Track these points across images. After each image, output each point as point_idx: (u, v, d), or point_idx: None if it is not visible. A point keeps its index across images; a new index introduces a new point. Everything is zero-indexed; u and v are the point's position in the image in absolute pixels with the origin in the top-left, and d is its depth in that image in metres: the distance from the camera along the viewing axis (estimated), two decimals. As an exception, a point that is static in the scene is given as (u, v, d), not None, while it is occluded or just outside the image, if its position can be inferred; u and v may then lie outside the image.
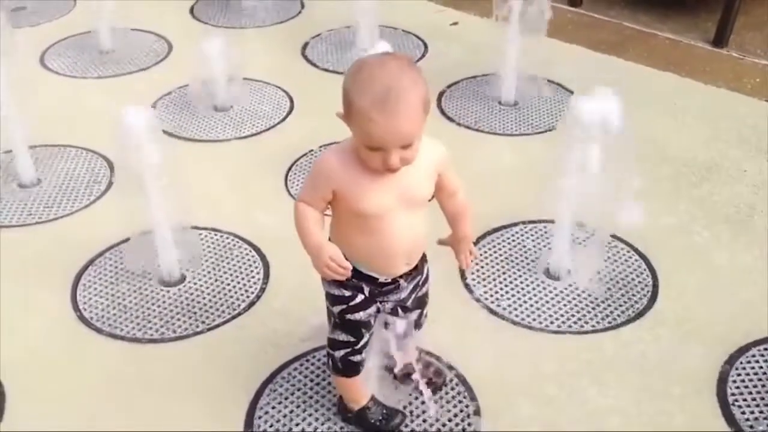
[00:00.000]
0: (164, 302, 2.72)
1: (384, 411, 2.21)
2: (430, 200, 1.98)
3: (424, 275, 2.09)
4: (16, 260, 2.92)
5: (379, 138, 1.72)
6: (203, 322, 2.63)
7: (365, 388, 2.19)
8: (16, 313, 2.67)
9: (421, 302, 2.14)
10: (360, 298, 1.97)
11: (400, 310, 2.06)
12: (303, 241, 1.90)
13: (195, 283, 2.80)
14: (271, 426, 2.27)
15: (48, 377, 2.45)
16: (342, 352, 2.06)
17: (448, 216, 2.10)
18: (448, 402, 2.33)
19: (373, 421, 2.20)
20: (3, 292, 2.75)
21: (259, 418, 2.29)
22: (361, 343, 2.04)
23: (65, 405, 2.36)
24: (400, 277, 1.99)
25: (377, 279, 1.96)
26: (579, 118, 2.52)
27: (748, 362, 2.45)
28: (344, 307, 1.99)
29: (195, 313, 2.67)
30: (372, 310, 2.00)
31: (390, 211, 1.86)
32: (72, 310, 2.70)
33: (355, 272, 1.93)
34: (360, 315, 1.99)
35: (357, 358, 2.07)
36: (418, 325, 2.16)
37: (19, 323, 2.64)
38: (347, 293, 1.97)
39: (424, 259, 2.07)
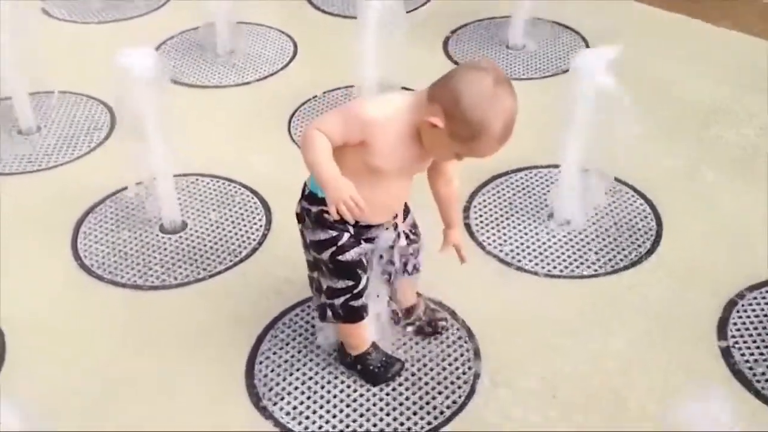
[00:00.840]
0: (165, 249, 2.72)
1: (383, 359, 2.22)
2: None
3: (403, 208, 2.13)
4: (17, 208, 2.92)
5: (484, 156, 1.84)
6: (205, 269, 2.63)
7: (367, 334, 2.19)
8: (16, 261, 2.67)
9: (409, 235, 2.14)
10: (346, 236, 1.98)
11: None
12: (319, 170, 1.81)
13: (196, 231, 2.80)
14: (272, 371, 2.28)
15: (48, 324, 2.47)
16: (342, 299, 2.05)
17: (442, 201, 2.13)
18: (448, 346, 2.33)
19: (372, 367, 2.21)
20: (3, 240, 2.75)
21: (261, 363, 2.30)
22: (360, 285, 2.03)
23: (65, 351, 2.37)
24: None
25: (358, 222, 1.95)
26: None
27: (750, 305, 2.44)
28: (333, 249, 1.98)
29: (196, 260, 2.67)
30: (361, 249, 2.00)
31: (396, 173, 1.90)
32: (72, 257, 2.70)
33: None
34: (351, 254, 1.99)
35: (358, 302, 2.06)
36: (413, 262, 2.17)
37: (20, 271, 2.64)
38: (334, 233, 1.97)
39: None
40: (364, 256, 2.02)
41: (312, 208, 1.96)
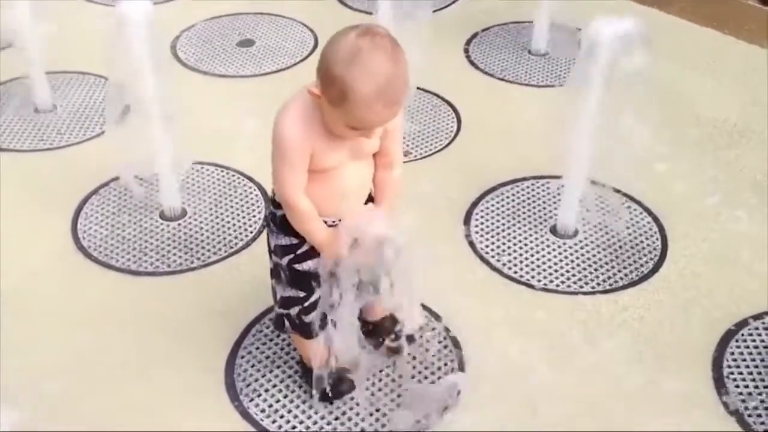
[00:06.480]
0: (162, 236, 2.72)
1: (335, 377, 2.12)
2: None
3: None
4: (23, 185, 2.94)
5: (373, 124, 1.72)
6: (198, 259, 2.62)
7: (319, 349, 2.09)
8: (15, 237, 2.69)
9: None
10: (308, 245, 1.92)
11: None
12: (310, 238, 1.88)
13: (195, 219, 2.79)
14: (252, 366, 2.26)
15: (39, 302, 2.47)
16: (296, 309, 2.00)
17: (376, 185, 1.97)
18: (433, 355, 2.29)
19: (315, 385, 2.12)
20: (6, 215, 2.77)
21: (242, 357, 2.28)
22: (311, 299, 1.97)
23: (48, 330, 2.38)
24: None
25: (326, 222, 1.90)
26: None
27: (750, 335, 2.36)
28: (292, 256, 1.93)
29: (191, 249, 2.66)
30: (319, 261, 1.92)
31: (342, 164, 1.85)
32: (71, 238, 2.71)
33: None
34: (309, 264, 1.93)
35: (308, 317, 2.00)
36: None
37: (18, 247, 2.65)
38: (296, 241, 1.92)
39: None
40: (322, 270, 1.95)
41: (277, 212, 1.92)
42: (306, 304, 1.98)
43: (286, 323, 2.06)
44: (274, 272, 2.03)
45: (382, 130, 1.82)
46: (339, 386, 2.13)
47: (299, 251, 1.93)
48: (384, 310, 2.19)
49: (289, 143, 1.77)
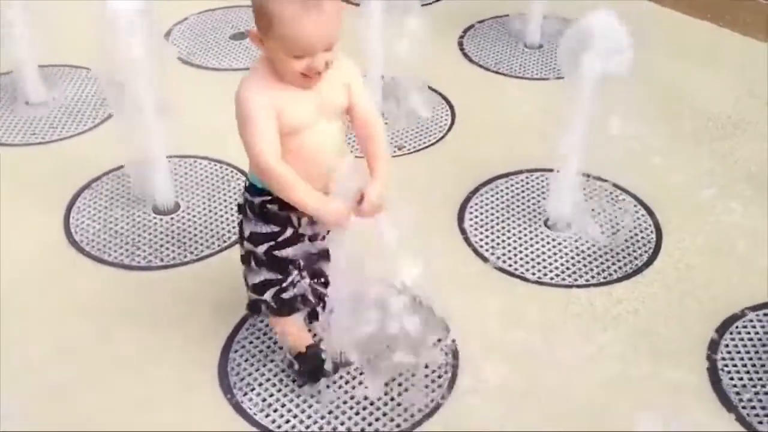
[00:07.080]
0: (155, 230, 2.70)
1: (315, 362, 2.12)
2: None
3: None
4: (15, 179, 2.92)
5: (307, 41, 1.73)
6: (191, 253, 2.61)
7: (301, 333, 2.13)
8: (7, 232, 2.67)
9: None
10: (289, 232, 1.91)
11: None
12: (302, 205, 1.83)
13: (188, 213, 2.78)
14: (246, 360, 2.25)
15: (31, 297, 2.46)
16: (272, 291, 1.98)
17: (367, 153, 1.95)
18: (427, 347, 2.28)
19: (300, 369, 2.14)
20: (-2, 210, 2.76)
21: (235, 351, 2.27)
22: (289, 280, 1.96)
23: (40, 325, 2.36)
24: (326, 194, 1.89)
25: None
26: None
27: (744, 327, 2.35)
28: (272, 243, 1.92)
29: (184, 243, 2.65)
30: (300, 247, 1.93)
31: (312, 123, 1.84)
32: (63, 232, 2.69)
33: (282, 200, 1.86)
34: (288, 251, 1.93)
35: (288, 294, 1.99)
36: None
37: (10, 242, 2.63)
38: (277, 228, 1.91)
39: None
40: (301, 258, 1.95)
41: (254, 199, 1.91)
42: (284, 284, 1.97)
43: (263, 307, 2.05)
44: (245, 258, 2.02)
45: (331, 62, 1.79)
46: (321, 366, 2.12)
47: (280, 239, 1.92)
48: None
49: (249, 104, 1.78)
